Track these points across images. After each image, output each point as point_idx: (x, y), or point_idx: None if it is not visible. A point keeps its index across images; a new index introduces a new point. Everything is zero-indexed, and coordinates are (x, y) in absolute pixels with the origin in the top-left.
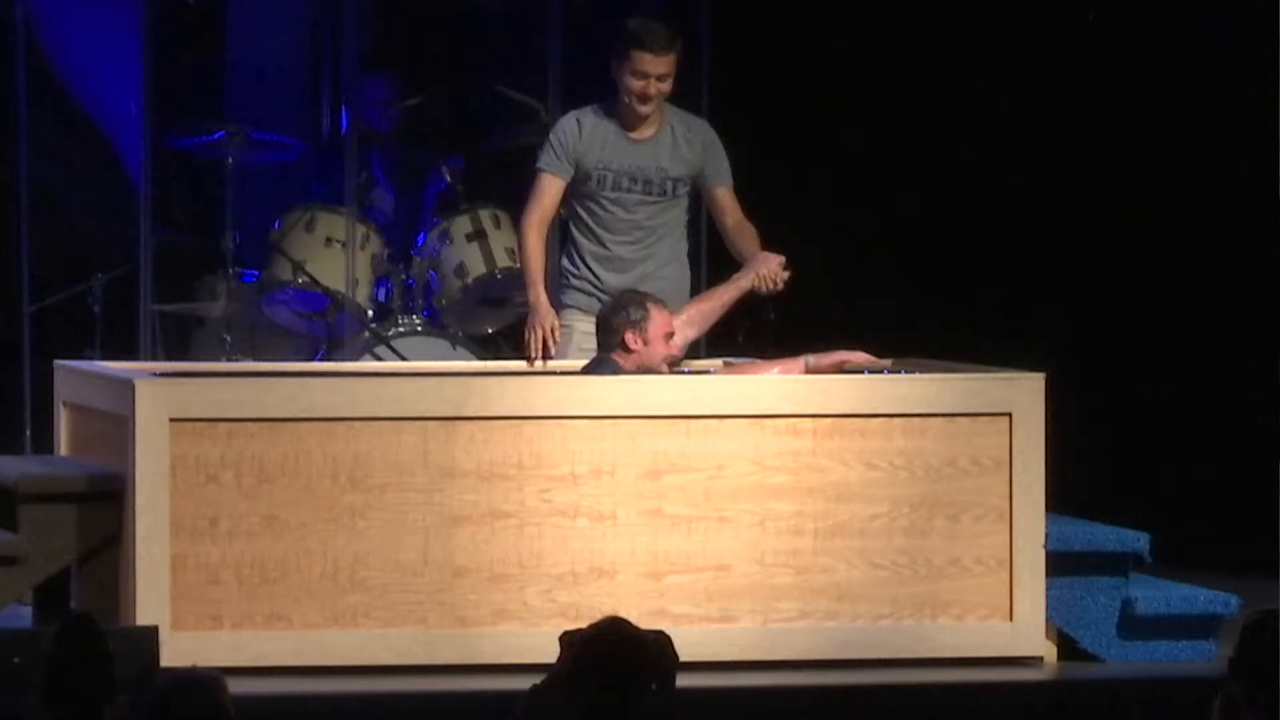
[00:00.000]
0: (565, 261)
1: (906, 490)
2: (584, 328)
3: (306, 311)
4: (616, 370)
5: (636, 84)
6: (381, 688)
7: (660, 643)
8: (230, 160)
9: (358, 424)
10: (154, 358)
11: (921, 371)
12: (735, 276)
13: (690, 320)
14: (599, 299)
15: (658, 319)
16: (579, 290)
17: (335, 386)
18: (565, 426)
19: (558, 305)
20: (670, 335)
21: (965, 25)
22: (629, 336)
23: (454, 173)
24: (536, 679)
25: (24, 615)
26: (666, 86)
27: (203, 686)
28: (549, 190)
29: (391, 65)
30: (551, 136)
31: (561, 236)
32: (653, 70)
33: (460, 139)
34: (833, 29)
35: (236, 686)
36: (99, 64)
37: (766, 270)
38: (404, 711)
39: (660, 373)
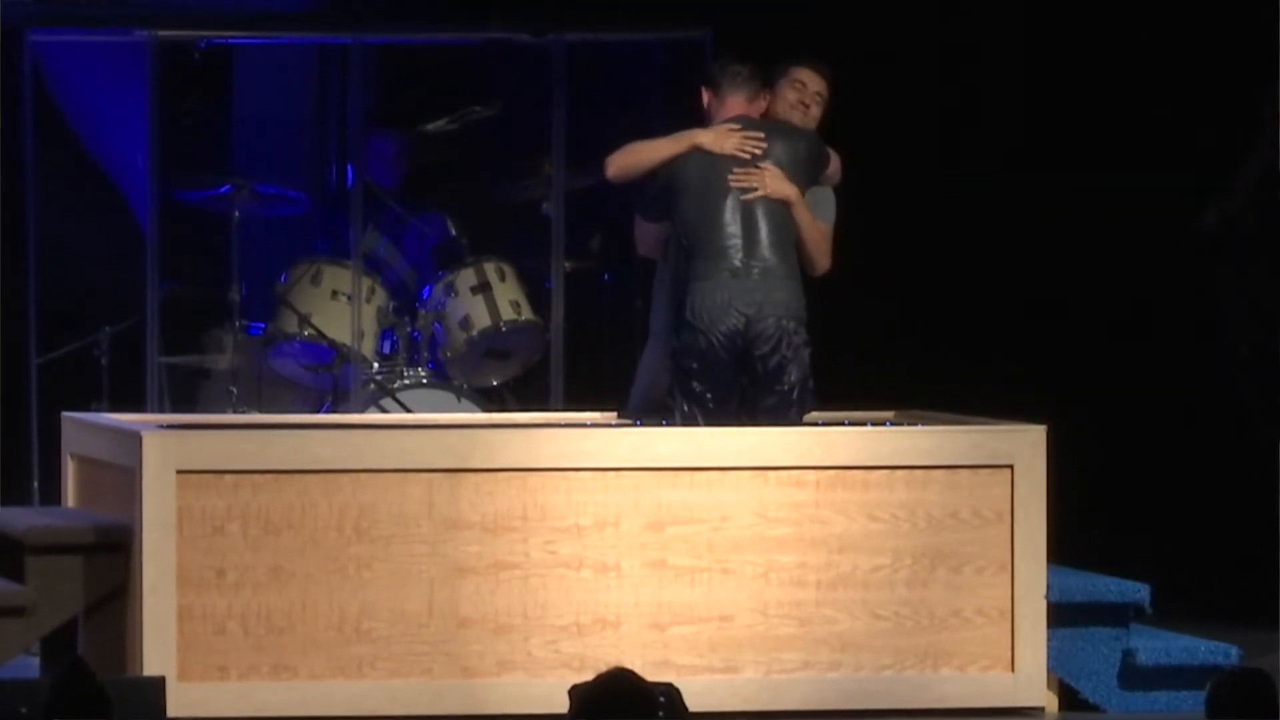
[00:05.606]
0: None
1: (909, 542)
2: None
3: (312, 364)
4: None
5: (793, 95)
6: None
7: (669, 695)
8: (237, 213)
9: (363, 476)
10: (160, 410)
11: (923, 424)
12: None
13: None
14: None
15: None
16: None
17: (340, 439)
18: (569, 478)
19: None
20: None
21: (952, 72)
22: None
23: (459, 226)
24: None
25: (32, 666)
26: (818, 111)
27: None
28: None
29: (397, 120)
30: None
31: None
32: (810, 84)
33: (465, 192)
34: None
35: None
36: (107, 116)
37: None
38: None
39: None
